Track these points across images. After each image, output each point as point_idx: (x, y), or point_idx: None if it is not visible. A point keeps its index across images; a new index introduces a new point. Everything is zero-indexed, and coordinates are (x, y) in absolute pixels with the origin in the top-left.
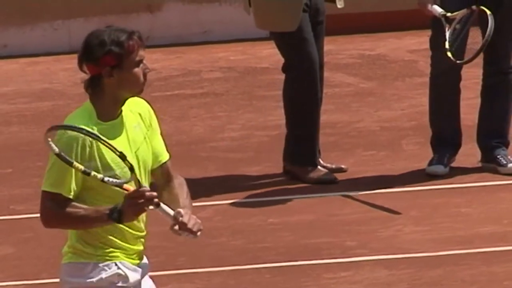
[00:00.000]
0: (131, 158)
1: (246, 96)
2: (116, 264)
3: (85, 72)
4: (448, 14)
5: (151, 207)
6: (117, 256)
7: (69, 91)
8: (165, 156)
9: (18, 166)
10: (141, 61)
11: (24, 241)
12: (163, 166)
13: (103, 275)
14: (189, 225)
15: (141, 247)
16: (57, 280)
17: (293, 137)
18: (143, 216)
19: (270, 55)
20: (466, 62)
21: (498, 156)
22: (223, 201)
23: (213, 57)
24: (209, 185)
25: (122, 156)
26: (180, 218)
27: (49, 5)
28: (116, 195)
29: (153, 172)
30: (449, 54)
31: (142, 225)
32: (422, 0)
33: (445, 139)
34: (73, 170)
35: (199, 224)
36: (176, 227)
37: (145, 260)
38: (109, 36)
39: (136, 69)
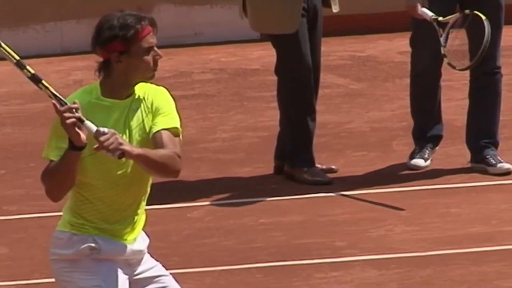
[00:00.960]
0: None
1: (237, 97)
2: (92, 238)
3: (98, 56)
4: (440, 18)
5: (70, 120)
6: (92, 231)
7: (60, 92)
8: (158, 127)
9: (11, 167)
10: (151, 47)
11: (16, 242)
12: (154, 135)
13: (78, 247)
14: (106, 143)
15: (126, 229)
16: (50, 280)
17: (287, 138)
18: (126, 191)
19: (260, 57)
20: (466, 69)
21: (487, 157)
22: (215, 202)
23: (204, 59)
24: (200, 186)
25: (20, 64)
26: (101, 137)
27: (41, 8)
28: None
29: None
30: (446, 60)
31: (126, 201)
32: (411, 3)
33: (426, 132)
34: (60, 135)
35: (117, 144)
36: (96, 145)
37: (138, 245)
38: (118, 21)
39: (145, 56)
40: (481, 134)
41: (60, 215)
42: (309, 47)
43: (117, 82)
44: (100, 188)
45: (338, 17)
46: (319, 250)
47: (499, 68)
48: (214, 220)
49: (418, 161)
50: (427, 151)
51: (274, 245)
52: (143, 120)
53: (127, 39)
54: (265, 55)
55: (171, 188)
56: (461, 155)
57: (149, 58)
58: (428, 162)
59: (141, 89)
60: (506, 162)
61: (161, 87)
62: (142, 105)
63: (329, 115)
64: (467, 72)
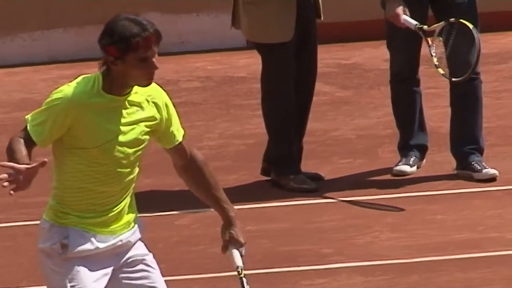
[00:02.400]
0: (121, 137)
1: (223, 105)
2: (67, 232)
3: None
4: (425, 27)
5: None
6: (72, 222)
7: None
8: (178, 138)
9: None
10: (146, 58)
11: (4, 249)
12: (178, 147)
13: (52, 242)
14: None
15: (114, 217)
16: (38, 287)
17: (272, 146)
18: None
19: (247, 65)
20: (461, 81)
21: (472, 163)
22: (202, 209)
23: (190, 67)
24: (187, 193)
25: None
26: None
27: (29, 16)
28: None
29: (170, 153)
30: (440, 71)
31: (118, 189)
32: (391, 12)
33: (409, 140)
34: (54, 122)
35: None
36: None
37: (126, 236)
38: (119, 28)
39: (139, 66)
40: (464, 140)
41: None
42: (305, 55)
43: (115, 80)
44: (97, 181)
45: (323, 25)
46: (306, 257)
47: (477, 74)
48: (201, 227)
49: (404, 168)
50: (412, 158)
51: (261, 252)
52: (142, 121)
53: (122, 48)
54: (251, 63)
55: (158, 196)
56: (447, 162)
57: (143, 67)
58: (414, 168)
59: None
60: (492, 168)
61: (159, 88)
62: (143, 104)
63: (315, 123)
64: None
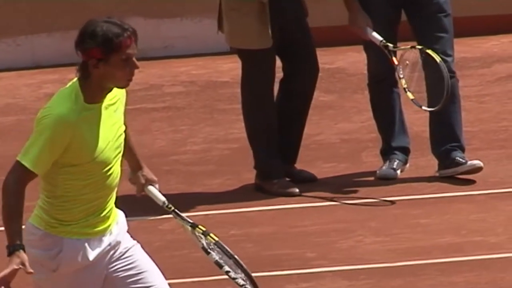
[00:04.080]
0: (111, 141)
1: (207, 109)
2: (61, 243)
3: (78, 56)
4: (390, 46)
5: None
6: (65, 233)
7: (32, 106)
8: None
9: None
10: (129, 58)
11: None
12: (126, 132)
13: (46, 253)
14: None
15: (102, 219)
16: None
17: (255, 152)
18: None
19: (230, 69)
20: (434, 110)
21: (456, 158)
22: (185, 214)
23: (174, 72)
24: (171, 198)
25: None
26: None
27: (13, 21)
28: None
29: None
30: (410, 95)
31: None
32: (355, 23)
33: (391, 142)
34: (51, 145)
35: None
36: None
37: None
38: (101, 29)
39: (122, 66)
40: (445, 139)
41: None
42: (298, 57)
43: (94, 86)
44: (91, 191)
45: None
46: (290, 261)
47: (454, 72)
48: (185, 232)
49: (387, 172)
50: (396, 162)
51: (245, 256)
52: (118, 116)
53: (106, 49)
54: (235, 68)
55: (142, 200)
56: (431, 166)
57: (126, 68)
58: (398, 172)
59: None
60: (475, 159)
61: None
62: (116, 104)
63: None
64: None
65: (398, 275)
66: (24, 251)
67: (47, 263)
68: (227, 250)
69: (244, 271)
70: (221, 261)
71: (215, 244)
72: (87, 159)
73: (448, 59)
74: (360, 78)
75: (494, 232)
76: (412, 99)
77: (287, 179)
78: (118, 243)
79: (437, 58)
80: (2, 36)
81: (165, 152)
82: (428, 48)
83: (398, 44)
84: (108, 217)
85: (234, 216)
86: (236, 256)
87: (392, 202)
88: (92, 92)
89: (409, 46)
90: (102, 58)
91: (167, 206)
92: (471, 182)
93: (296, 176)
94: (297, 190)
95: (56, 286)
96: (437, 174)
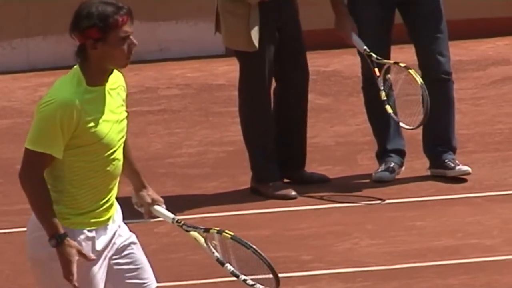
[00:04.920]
0: (114, 125)
1: (203, 112)
2: (73, 235)
3: (74, 40)
4: (373, 56)
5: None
6: (76, 223)
7: (27, 109)
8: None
9: None
10: (127, 36)
11: None
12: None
13: (49, 248)
14: None
15: (108, 207)
16: None
17: (252, 154)
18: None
19: (226, 72)
20: (410, 129)
21: (445, 161)
22: (181, 217)
23: (170, 74)
24: (167, 201)
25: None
26: None
27: (8, 24)
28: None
29: None
30: (389, 109)
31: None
32: (341, 28)
33: (386, 145)
34: (60, 129)
35: None
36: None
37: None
38: (96, 9)
39: (120, 44)
40: (437, 141)
41: None
42: (296, 57)
43: (93, 69)
44: (98, 175)
45: (303, 32)
46: (286, 264)
47: (449, 74)
48: (181, 234)
49: (383, 174)
50: (391, 165)
51: (241, 259)
52: (122, 105)
53: (103, 28)
54: (230, 71)
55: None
56: (426, 168)
57: (124, 46)
58: (394, 175)
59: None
60: (464, 165)
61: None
62: (117, 89)
63: None
64: None
65: (394, 278)
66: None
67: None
68: (245, 242)
69: (265, 261)
70: (237, 272)
71: (231, 238)
72: (93, 140)
73: (444, 59)
74: (356, 81)
75: (489, 235)
76: (389, 113)
77: (300, 183)
78: (119, 229)
79: (419, 80)
80: None
81: (160, 155)
82: (410, 68)
83: (392, 48)
84: (111, 206)
85: (230, 219)
86: (254, 247)
87: (388, 204)
88: (93, 74)
89: (392, 62)
90: (100, 38)
91: (177, 222)
92: (467, 184)
93: (308, 179)
94: (293, 193)
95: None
96: (427, 172)
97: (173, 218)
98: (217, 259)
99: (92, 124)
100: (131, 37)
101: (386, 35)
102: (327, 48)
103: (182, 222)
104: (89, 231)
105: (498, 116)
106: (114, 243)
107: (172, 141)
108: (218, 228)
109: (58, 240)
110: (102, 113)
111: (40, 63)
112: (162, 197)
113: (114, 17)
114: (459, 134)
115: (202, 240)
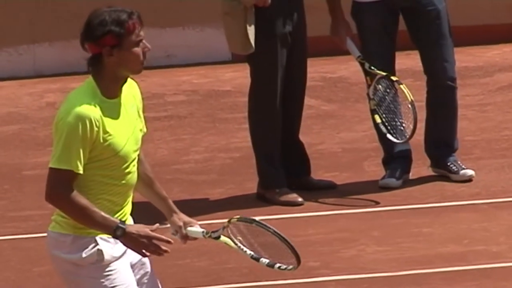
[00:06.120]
0: (130, 137)
1: (209, 118)
2: (95, 241)
3: (86, 51)
4: (367, 66)
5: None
6: (93, 232)
7: (34, 115)
8: (144, 129)
9: None
10: (140, 40)
11: None
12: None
13: (83, 253)
14: None
15: (125, 213)
16: None
17: (259, 160)
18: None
19: (232, 78)
20: (396, 142)
21: (448, 164)
22: None
23: (176, 81)
24: None
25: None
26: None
27: (14, 30)
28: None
29: None
30: (377, 118)
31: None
32: (337, 32)
33: (392, 151)
34: (82, 143)
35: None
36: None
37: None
38: (109, 16)
39: (136, 48)
40: (440, 143)
41: (35, 237)
42: (300, 60)
43: (108, 78)
44: (115, 186)
45: (309, 39)
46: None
47: (453, 80)
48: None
49: (390, 181)
50: (398, 171)
51: (247, 265)
52: (137, 118)
53: (119, 33)
54: (237, 77)
55: (143, 209)
56: (432, 174)
57: (138, 50)
58: (400, 182)
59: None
60: (469, 169)
61: (132, 80)
62: (131, 100)
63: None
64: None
65: (400, 284)
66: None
67: (86, 260)
68: (265, 224)
69: (284, 241)
70: (272, 262)
71: (251, 222)
72: (110, 153)
73: (449, 65)
74: (362, 87)
75: (496, 241)
76: (378, 123)
77: (307, 190)
78: None
79: (409, 97)
80: (3, 45)
81: (167, 161)
82: (402, 83)
83: (398, 54)
84: (127, 213)
85: None
86: (273, 228)
87: (394, 211)
88: (108, 85)
89: (384, 73)
90: (116, 44)
91: (207, 234)
92: (473, 191)
93: (316, 186)
94: (299, 199)
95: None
96: (429, 170)
97: (203, 232)
98: (251, 256)
99: (109, 137)
100: (144, 41)
101: (391, 41)
102: (334, 55)
103: (210, 233)
104: (103, 239)
105: (505, 123)
106: (129, 254)
107: (178, 147)
108: (238, 216)
109: (121, 227)
110: (119, 125)
111: (46, 69)
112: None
113: (128, 22)
114: (465, 140)
115: (231, 242)
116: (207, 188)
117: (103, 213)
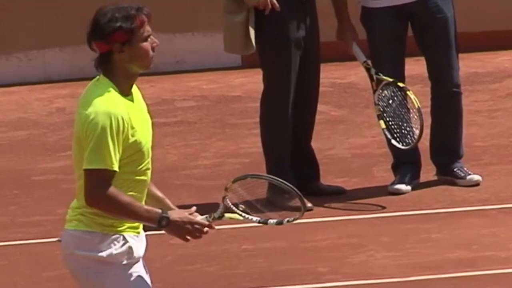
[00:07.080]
0: (148, 133)
1: (218, 124)
2: (124, 238)
3: (94, 50)
4: (373, 71)
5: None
6: (125, 228)
7: (43, 120)
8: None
9: None
10: (149, 35)
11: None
12: None
13: (113, 250)
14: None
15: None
16: None
17: (269, 166)
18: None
19: (242, 84)
20: (403, 149)
21: (455, 170)
22: None
23: (186, 86)
24: None
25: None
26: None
27: (24, 36)
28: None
29: None
30: (382, 124)
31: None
32: (343, 36)
33: (401, 158)
34: (115, 141)
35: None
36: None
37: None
38: (119, 12)
39: (145, 43)
40: (445, 150)
41: (44, 242)
42: (313, 66)
43: (120, 76)
44: (139, 183)
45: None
46: (302, 276)
47: (458, 86)
48: (196, 246)
49: (399, 186)
50: (407, 177)
51: (257, 271)
52: (145, 109)
53: (130, 29)
54: (246, 82)
55: None
56: (442, 180)
57: (148, 45)
58: (409, 187)
59: None
60: (475, 174)
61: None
62: (137, 95)
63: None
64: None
65: None
66: None
67: (116, 257)
68: (258, 174)
69: (283, 184)
70: (279, 220)
71: (245, 177)
72: (136, 148)
73: (455, 72)
74: (371, 93)
75: (505, 247)
76: (383, 128)
77: (316, 195)
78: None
79: (416, 104)
80: (13, 50)
81: (176, 167)
82: (409, 90)
83: (408, 60)
84: None
85: (246, 231)
86: (269, 176)
87: (404, 216)
88: (122, 83)
89: (391, 80)
90: (126, 40)
91: (210, 217)
92: (482, 197)
93: (325, 191)
94: (309, 204)
95: (128, 278)
96: (435, 177)
97: (206, 217)
98: (259, 222)
99: (136, 132)
100: (152, 36)
101: (401, 46)
102: (344, 60)
103: (213, 215)
104: (134, 235)
105: None
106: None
107: (188, 152)
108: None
109: (166, 217)
110: (140, 121)
111: (56, 74)
112: (177, 207)
113: (138, 17)
114: (474, 146)
115: (235, 215)
116: (216, 194)
117: (146, 206)
